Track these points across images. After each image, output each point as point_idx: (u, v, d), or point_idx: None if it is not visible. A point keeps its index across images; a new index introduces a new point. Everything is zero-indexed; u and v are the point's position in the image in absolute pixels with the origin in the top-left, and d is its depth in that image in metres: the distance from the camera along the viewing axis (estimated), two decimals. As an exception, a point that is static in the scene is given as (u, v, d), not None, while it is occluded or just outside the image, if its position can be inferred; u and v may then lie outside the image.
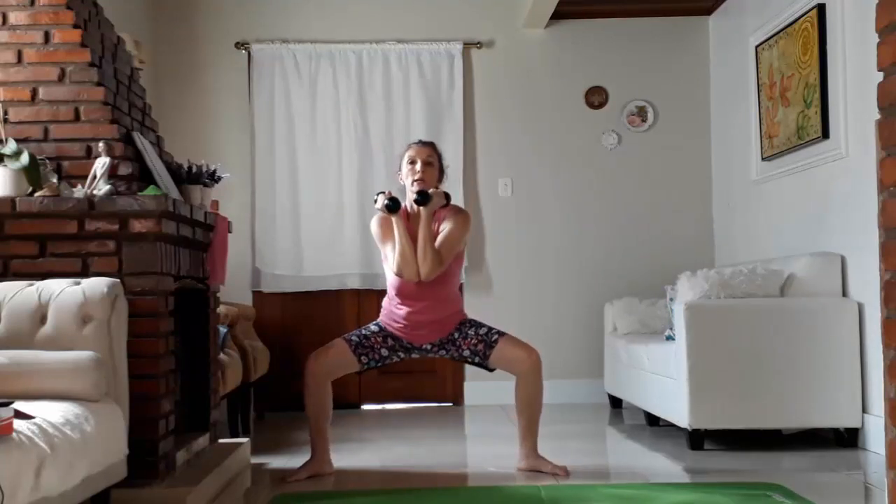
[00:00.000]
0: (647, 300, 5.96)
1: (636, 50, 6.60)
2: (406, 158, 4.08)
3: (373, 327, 4.10)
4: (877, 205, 2.04)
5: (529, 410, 4.06)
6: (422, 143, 4.15)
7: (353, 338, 4.06)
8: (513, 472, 4.09)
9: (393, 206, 3.91)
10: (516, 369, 4.03)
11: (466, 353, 4.05)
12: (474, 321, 4.11)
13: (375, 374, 6.48)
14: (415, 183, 4.01)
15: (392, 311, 4.07)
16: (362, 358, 4.04)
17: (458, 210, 4.14)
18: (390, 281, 4.06)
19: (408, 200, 4.07)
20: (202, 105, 6.46)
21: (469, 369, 6.42)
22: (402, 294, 4.01)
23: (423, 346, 4.09)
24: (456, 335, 4.06)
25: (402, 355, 4.11)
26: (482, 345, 4.03)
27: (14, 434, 2.28)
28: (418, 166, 4.04)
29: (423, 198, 3.94)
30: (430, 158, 4.08)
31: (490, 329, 4.08)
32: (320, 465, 4.09)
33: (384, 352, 4.06)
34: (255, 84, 6.41)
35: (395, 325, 4.06)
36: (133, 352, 3.18)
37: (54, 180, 3.36)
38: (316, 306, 6.44)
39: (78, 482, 2.57)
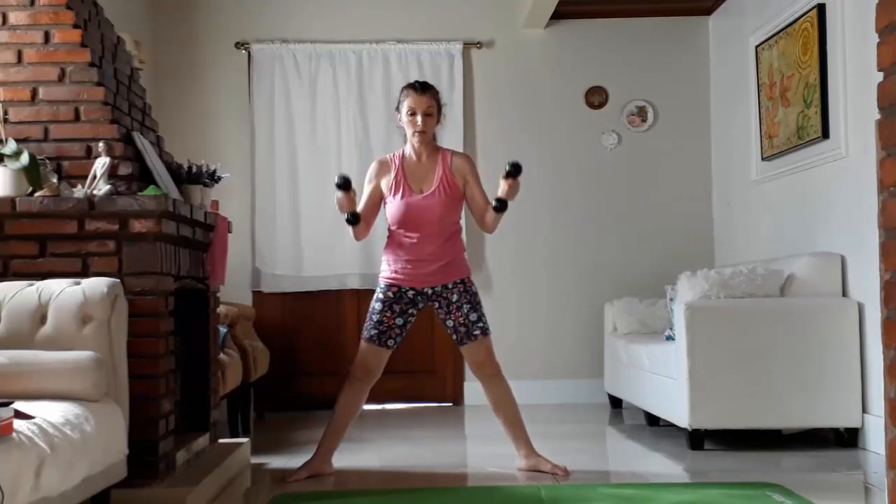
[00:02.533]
0: (647, 300, 5.96)
1: (636, 50, 6.60)
2: (406, 108, 4.07)
3: (377, 305, 4.09)
4: (877, 205, 2.04)
5: (504, 412, 4.15)
6: (420, 91, 4.09)
7: (374, 332, 4.07)
8: (513, 472, 4.09)
9: (343, 185, 3.98)
10: (478, 373, 4.14)
11: (450, 323, 4.10)
12: (474, 298, 4.12)
13: (375, 374, 6.49)
14: (415, 134, 4.07)
15: (399, 248, 4.09)
16: (388, 342, 4.09)
17: (465, 160, 4.24)
18: (395, 216, 4.08)
19: (408, 145, 4.14)
20: (202, 105, 6.46)
21: (469, 370, 6.42)
22: (408, 223, 4.06)
23: (425, 291, 4.07)
24: (454, 297, 4.08)
25: (411, 314, 4.11)
26: (464, 329, 4.09)
27: (14, 434, 2.29)
28: (419, 119, 4.05)
29: (502, 205, 4.08)
30: (430, 109, 4.09)
31: (479, 319, 4.10)
32: (321, 465, 4.09)
33: (399, 321, 4.08)
34: (255, 84, 6.41)
35: (401, 266, 4.06)
36: (133, 352, 3.18)
37: (54, 180, 3.36)
38: (316, 306, 6.44)
39: (78, 482, 2.58)
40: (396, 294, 4.07)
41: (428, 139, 4.13)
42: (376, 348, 4.07)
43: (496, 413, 4.18)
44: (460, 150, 6.43)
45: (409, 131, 4.10)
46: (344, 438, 4.17)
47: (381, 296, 4.09)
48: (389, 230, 4.15)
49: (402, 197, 4.07)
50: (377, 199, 4.16)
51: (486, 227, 4.19)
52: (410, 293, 4.08)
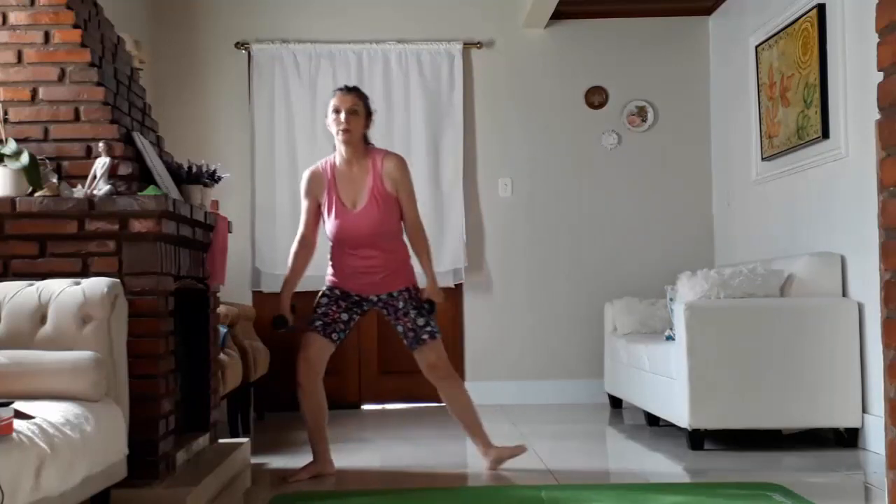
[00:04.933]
0: (647, 300, 5.96)
1: (636, 50, 6.60)
2: (331, 106, 4.01)
3: (323, 300, 4.10)
4: (877, 205, 2.04)
5: (460, 413, 4.21)
6: (346, 91, 4.05)
7: (318, 323, 4.07)
8: (513, 473, 4.09)
9: (279, 324, 4.11)
10: (431, 375, 4.17)
11: (399, 328, 4.12)
12: (419, 303, 4.08)
13: (376, 373, 6.49)
14: (339, 133, 3.98)
15: (342, 260, 4.09)
16: (332, 336, 4.09)
17: (396, 165, 4.07)
18: (333, 233, 4.06)
19: (337, 153, 4.06)
20: (202, 105, 6.46)
21: (469, 370, 6.44)
22: (345, 239, 4.04)
23: (370, 298, 4.09)
24: (401, 304, 4.08)
25: (356, 312, 4.12)
26: (412, 333, 4.10)
27: (14, 434, 2.28)
28: (342, 116, 3.97)
29: (431, 307, 4.10)
30: (356, 107, 4.00)
31: (427, 324, 4.10)
32: (322, 466, 4.10)
33: (344, 316, 4.09)
34: (255, 84, 6.41)
35: (346, 275, 4.07)
36: (133, 352, 3.18)
37: (54, 180, 3.36)
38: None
39: (78, 482, 2.57)
40: (343, 293, 4.10)
41: (354, 140, 4.01)
42: (321, 339, 4.06)
43: (452, 414, 4.23)
44: (460, 150, 6.45)
45: (333, 131, 4.01)
46: (328, 436, 4.16)
47: (327, 292, 4.11)
48: (331, 243, 4.13)
49: (336, 216, 4.02)
50: (317, 211, 4.12)
51: (414, 247, 4.15)
52: (356, 297, 4.10)
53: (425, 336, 4.10)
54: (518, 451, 4.17)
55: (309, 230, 4.14)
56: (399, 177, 4.04)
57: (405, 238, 4.18)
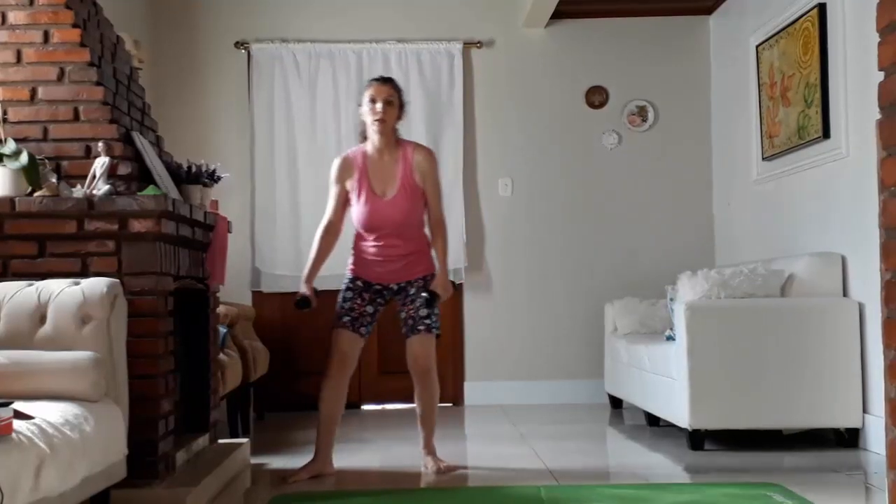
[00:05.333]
0: (647, 300, 5.96)
1: (636, 50, 6.60)
2: (367, 96, 4.06)
3: (348, 294, 4.15)
4: (877, 205, 2.03)
5: (424, 410, 4.25)
6: (382, 81, 4.11)
7: (346, 318, 4.12)
8: (513, 473, 4.09)
9: (302, 304, 4.15)
10: (412, 366, 4.20)
11: (402, 315, 4.17)
12: (430, 296, 4.10)
13: (376, 373, 6.49)
14: (374, 122, 4.03)
15: (366, 248, 4.14)
16: (361, 330, 4.15)
17: (426, 158, 4.15)
18: (361, 219, 4.10)
19: (368, 142, 4.11)
20: (202, 105, 6.46)
21: (469, 370, 6.44)
22: (372, 226, 4.09)
23: (390, 287, 4.15)
24: (412, 290, 4.13)
25: (379, 304, 4.18)
26: (411, 321, 4.14)
27: (13, 434, 2.28)
28: (379, 106, 4.02)
29: (432, 297, 4.09)
30: (391, 98, 4.05)
31: (428, 316, 4.13)
32: (322, 466, 4.10)
33: (369, 309, 4.15)
34: (254, 84, 6.41)
35: (368, 262, 4.12)
36: (132, 352, 3.17)
37: (53, 180, 3.36)
38: (316, 306, 6.41)
39: (77, 482, 2.57)
40: (365, 284, 4.14)
41: (388, 130, 4.07)
42: (350, 334, 4.11)
43: (418, 407, 4.27)
44: (460, 149, 6.45)
45: (368, 121, 4.06)
46: (336, 435, 4.18)
47: (350, 285, 4.15)
48: (356, 230, 4.17)
49: (367, 201, 4.07)
50: (345, 198, 4.16)
51: (433, 240, 4.22)
52: (377, 287, 4.15)
53: (421, 327, 4.13)
54: (452, 469, 4.16)
55: (336, 216, 4.17)
56: (428, 169, 4.12)
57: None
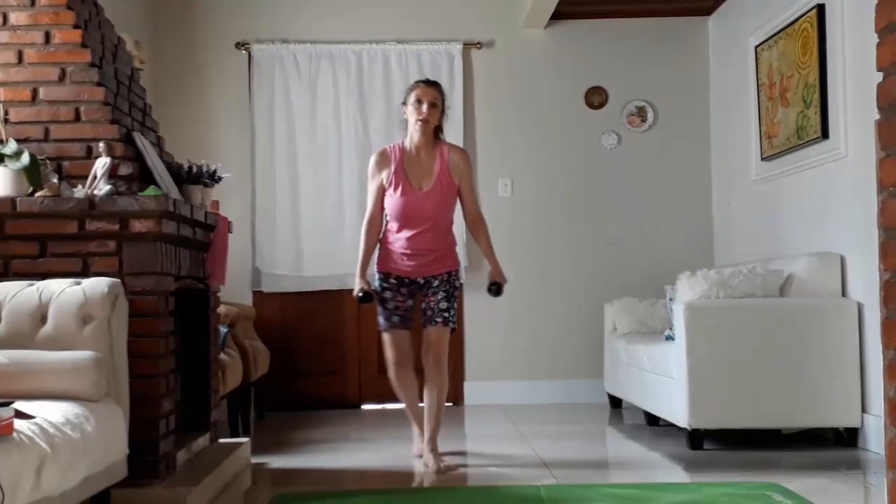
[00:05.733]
0: (646, 300, 5.96)
1: (636, 50, 6.60)
2: (413, 96, 4.25)
3: (387, 294, 4.28)
4: (876, 205, 2.04)
5: (431, 407, 4.33)
6: (428, 84, 4.31)
7: (396, 318, 4.28)
8: (513, 472, 4.10)
9: (365, 299, 4.25)
10: (424, 357, 4.30)
11: (423, 305, 4.30)
12: (452, 290, 4.29)
13: (376, 373, 6.50)
14: (418, 122, 4.21)
15: (396, 241, 4.26)
16: (409, 325, 4.33)
17: (462, 157, 4.37)
18: (396, 211, 4.24)
19: (409, 138, 4.28)
20: (202, 105, 6.46)
21: (469, 370, 6.44)
22: (406, 219, 4.23)
23: (417, 280, 4.27)
24: (435, 283, 4.27)
25: (413, 296, 4.32)
26: (430, 312, 4.27)
27: (14, 434, 2.29)
28: (424, 107, 4.21)
29: (498, 289, 4.38)
30: (436, 100, 4.26)
31: (447, 310, 4.27)
32: (418, 445, 4.42)
33: (410, 303, 4.31)
34: (255, 84, 6.42)
35: (398, 256, 4.24)
36: (133, 352, 3.18)
37: (55, 180, 3.37)
38: (316, 306, 6.44)
39: (78, 482, 2.58)
40: (398, 279, 4.27)
41: (429, 131, 4.26)
42: (401, 332, 4.29)
43: (425, 401, 4.35)
44: (460, 150, 6.46)
45: (412, 119, 4.24)
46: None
47: (385, 285, 4.28)
48: (387, 222, 4.30)
49: (402, 193, 4.21)
50: (383, 191, 4.29)
51: (476, 237, 4.45)
52: (407, 280, 4.28)
53: (439, 319, 4.26)
54: (452, 468, 4.18)
55: (377, 210, 4.30)
56: (464, 168, 4.33)
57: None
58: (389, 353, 4.30)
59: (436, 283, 4.26)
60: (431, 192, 4.22)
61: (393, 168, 4.23)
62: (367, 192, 4.34)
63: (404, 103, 4.29)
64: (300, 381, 6.42)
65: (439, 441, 4.35)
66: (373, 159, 4.32)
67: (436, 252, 4.26)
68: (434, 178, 4.23)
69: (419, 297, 4.31)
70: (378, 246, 4.32)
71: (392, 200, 4.23)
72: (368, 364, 6.50)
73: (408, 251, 4.23)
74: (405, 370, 4.34)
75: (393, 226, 4.27)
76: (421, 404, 4.41)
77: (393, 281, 4.26)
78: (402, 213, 4.21)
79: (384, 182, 4.25)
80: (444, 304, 4.25)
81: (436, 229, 4.25)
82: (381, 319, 4.29)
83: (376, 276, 4.31)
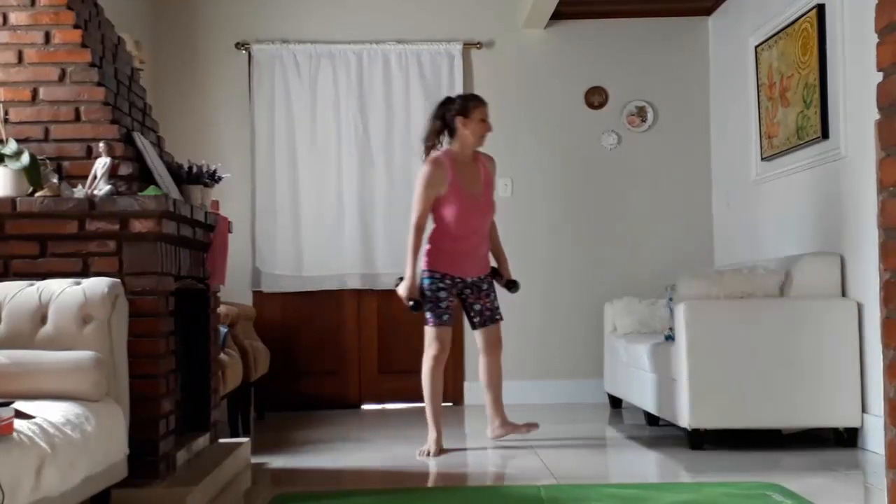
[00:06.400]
0: (646, 300, 5.96)
1: (636, 50, 6.61)
2: (478, 114, 4.65)
3: (442, 294, 4.58)
4: (876, 205, 2.04)
5: (497, 386, 4.82)
6: (486, 104, 4.74)
7: (446, 317, 4.59)
8: (513, 472, 4.10)
9: (418, 307, 4.60)
10: (491, 350, 4.78)
11: (478, 307, 4.71)
12: (494, 287, 4.78)
13: (376, 373, 6.50)
14: (482, 137, 4.68)
15: (454, 245, 4.60)
16: (452, 322, 4.66)
17: (494, 164, 4.85)
18: (456, 217, 4.56)
19: (459, 147, 4.64)
20: (203, 105, 6.46)
21: (469, 370, 6.44)
22: (466, 230, 4.59)
23: (466, 280, 4.65)
24: (485, 286, 4.72)
25: (455, 295, 4.67)
26: (489, 312, 4.72)
27: (14, 434, 2.29)
28: (488, 124, 4.70)
29: (517, 286, 4.88)
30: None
31: (498, 307, 4.80)
32: (441, 439, 4.60)
33: (452, 300, 4.64)
34: (255, 84, 6.42)
35: (454, 258, 4.59)
36: (133, 352, 3.18)
37: (55, 180, 3.37)
38: (316, 306, 6.44)
39: (78, 482, 2.58)
40: (452, 280, 4.60)
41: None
42: (449, 329, 4.64)
43: (489, 387, 4.81)
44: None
45: (477, 133, 4.64)
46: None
47: (440, 285, 4.58)
48: (437, 227, 4.60)
49: (463, 199, 4.57)
50: (434, 201, 4.58)
51: (493, 237, 4.87)
52: (458, 280, 4.63)
53: (498, 316, 4.76)
54: (532, 427, 4.75)
55: (426, 219, 4.60)
56: (494, 175, 4.82)
57: None
58: (435, 348, 4.58)
59: (484, 284, 4.69)
60: (482, 197, 4.63)
61: (450, 177, 4.53)
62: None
63: (461, 115, 4.59)
64: (300, 381, 6.42)
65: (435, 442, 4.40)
66: (431, 168, 4.54)
67: (483, 251, 4.70)
68: (481, 184, 4.64)
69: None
70: (430, 247, 4.58)
71: (453, 207, 4.54)
72: (368, 364, 6.51)
73: (466, 254, 4.59)
74: (442, 367, 4.65)
75: (451, 230, 4.56)
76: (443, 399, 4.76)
77: (448, 282, 4.58)
78: (463, 219, 4.55)
79: (442, 191, 4.53)
80: (496, 303, 4.74)
81: (483, 232, 4.66)
82: (431, 316, 4.56)
83: (426, 276, 4.57)
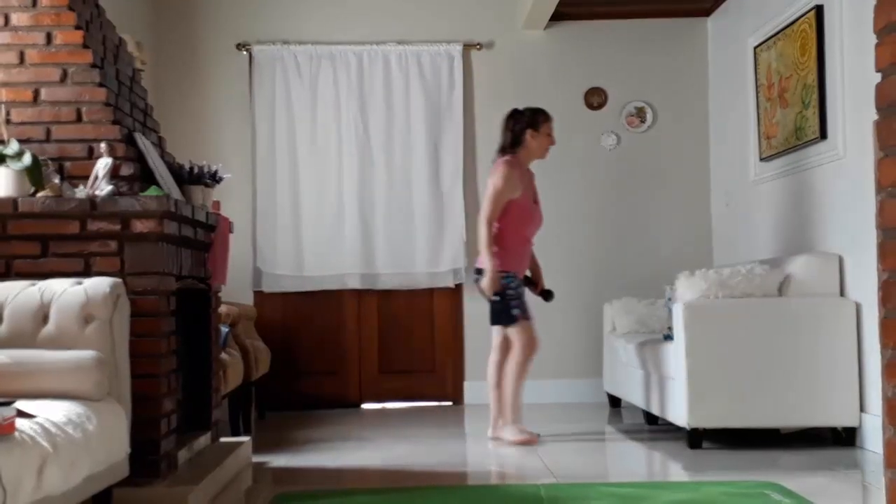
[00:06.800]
0: (645, 300, 5.97)
1: (635, 51, 6.61)
2: (547, 129, 4.98)
3: (521, 290, 4.86)
4: (874, 205, 2.05)
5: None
6: (552, 119, 5.04)
7: (529, 310, 4.87)
8: (513, 472, 4.11)
9: (551, 296, 5.10)
10: (533, 345, 4.93)
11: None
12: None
13: (376, 373, 6.51)
14: (547, 150, 5.01)
15: (519, 251, 4.90)
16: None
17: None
18: (527, 222, 4.91)
19: (526, 156, 4.95)
20: (204, 106, 6.47)
21: (469, 370, 6.45)
22: (530, 235, 4.97)
23: (523, 277, 4.97)
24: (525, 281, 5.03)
25: None
26: (526, 308, 4.90)
27: (16, 433, 2.30)
28: (553, 140, 5.02)
29: (551, 297, 5.15)
30: None
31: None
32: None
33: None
34: (256, 85, 6.43)
35: (521, 259, 4.90)
36: (135, 351, 3.19)
37: (56, 181, 3.38)
38: (317, 306, 6.45)
39: (80, 481, 2.59)
40: (520, 279, 4.90)
41: None
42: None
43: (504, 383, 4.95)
44: (460, 150, 6.48)
45: (543, 147, 4.98)
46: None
47: (518, 283, 4.85)
48: (507, 229, 4.81)
49: (533, 205, 4.94)
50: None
51: None
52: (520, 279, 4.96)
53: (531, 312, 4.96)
54: (533, 439, 4.76)
55: (497, 216, 4.82)
56: None
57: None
58: (535, 341, 4.85)
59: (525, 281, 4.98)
60: (538, 206, 4.99)
61: (523, 183, 4.86)
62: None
63: (531, 127, 4.91)
64: (301, 381, 6.43)
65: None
66: (509, 171, 4.83)
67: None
68: (536, 194, 5.00)
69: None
70: (501, 250, 4.78)
71: (525, 210, 4.87)
72: (368, 364, 6.51)
73: (525, 256, 4.94)
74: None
75: (520, 232, 4.87)
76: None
77: (519, 279, 4.87)
78: (531, 222, 4.92)
79: (517, 194, 4.82)
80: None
81: (533, 239, 5.02)
82: (517, 312, 4.80)
83: (505, 277, 4.77)
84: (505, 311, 4.80)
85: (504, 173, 4.82)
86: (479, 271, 4.81)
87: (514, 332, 4.83)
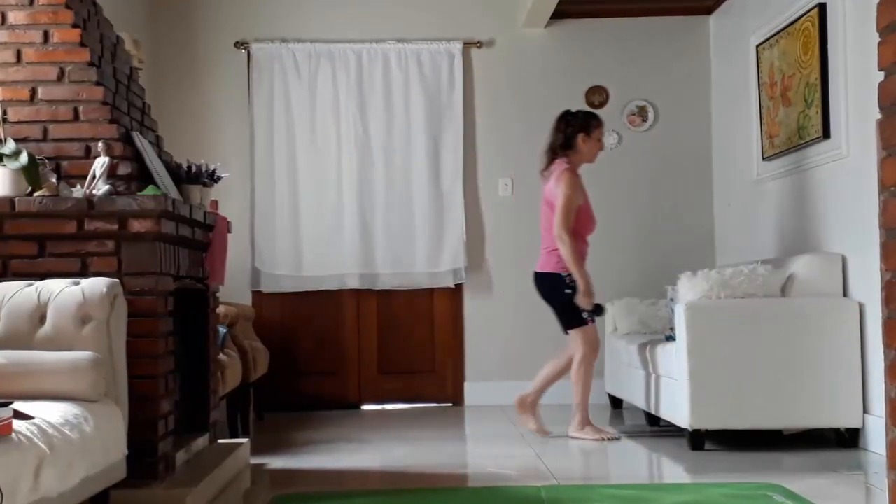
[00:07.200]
0: (647, 300, 5.96)
1: (637, 49, 6.60)
2: (599, 134, 5.05)
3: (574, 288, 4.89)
4: (877, 205, 2.03)
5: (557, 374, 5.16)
6: (604, 123, 5.12)
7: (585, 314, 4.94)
8: (513, 472, 4.09)
9: (601, 311, 5.08)
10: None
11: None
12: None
13: (376, 373, 6.49)
14: (596, 155, 5.07)
15: (583, 252, 4.97)
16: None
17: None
18: (591, 225, 5.01)
19: (577, 157, 5.00)
20: (201, 105, 6.46)
21: (469, 370, 6.44)
22: (588, 235, 5.03)
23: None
24: None
25: None
26: None
27: (13, 434, 2.28)
28: (602, 145, 5.12)
29: (600, 312, 5.08)
30: None
31: None
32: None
33: None
34: (254, 83, 6.41)
35: (584, 262, 4.94)
36: (132, 352, 3.17)
37: (53, 180, 3.36)
38: (315, 306, 6.43)
39: (77, 483, 2.57)
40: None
41: None
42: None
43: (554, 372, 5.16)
44: (460, 149, 6.47)
45: (593, 151, 5.04)
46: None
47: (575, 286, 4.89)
48: (573, 233, 4.86)
49: (589, 207, 4.99)
50: None
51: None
52: None
53: None
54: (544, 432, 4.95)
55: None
56: None
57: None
58: (598, 342, 4.97)
59: None
60: (591, 208, 5.02)
61: (582, 189, 4.94)
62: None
63: (584, 131, 4.96)
64: (300, 382, 6.41)
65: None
66: (573, 178, 4.90)
67: None
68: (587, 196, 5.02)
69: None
70: (562, 255, 4.86)
71: (586, 214, 4.94)
72: (368, 364, 6.50)
73: (586, 255, 4.98)
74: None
75: (583, 235, 4.95)
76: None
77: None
78: (589, 227, 4.99)
79: (581, 199, 4.91)
80: None
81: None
82: (586, 315, 4.88)
83: (571, 282, 4.85)
84: (576, 313, 4.89)
85: (570, 181, 4.88)
86: (544, 276, 4.97)
87: (579, 334, 4.91)
